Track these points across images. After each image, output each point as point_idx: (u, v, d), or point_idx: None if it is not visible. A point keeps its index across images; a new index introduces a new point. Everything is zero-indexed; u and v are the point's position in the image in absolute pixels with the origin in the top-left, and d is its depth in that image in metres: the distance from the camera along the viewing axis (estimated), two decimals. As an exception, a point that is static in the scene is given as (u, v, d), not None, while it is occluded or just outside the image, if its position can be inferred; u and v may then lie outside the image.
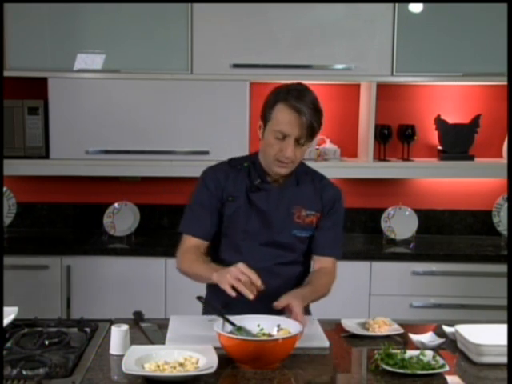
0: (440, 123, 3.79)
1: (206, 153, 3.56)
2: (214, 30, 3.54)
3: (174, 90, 3.59)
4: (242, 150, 3.41)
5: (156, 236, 3.79)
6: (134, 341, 1.89)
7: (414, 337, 1.99)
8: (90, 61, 3.56)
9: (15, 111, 3.57)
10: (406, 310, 3.46)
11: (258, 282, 1.91)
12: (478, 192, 3.97)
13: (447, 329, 2.04)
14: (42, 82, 3.56)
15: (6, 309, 1.95)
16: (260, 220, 2.19)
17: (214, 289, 2.07)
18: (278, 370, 1.76)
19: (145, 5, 3.50)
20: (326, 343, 1.95)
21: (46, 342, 1.88)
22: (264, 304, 1.93)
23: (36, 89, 3.66)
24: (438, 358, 1.79)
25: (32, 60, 3.55)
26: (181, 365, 1.69)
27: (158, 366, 1.68)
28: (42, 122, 3.58)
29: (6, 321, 1.91)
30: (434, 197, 3.98)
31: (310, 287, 2.12)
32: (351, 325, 2.10)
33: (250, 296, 1.88)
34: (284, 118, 2.05)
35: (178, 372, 1.66)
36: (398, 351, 1.79)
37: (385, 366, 1.74)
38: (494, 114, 3.87)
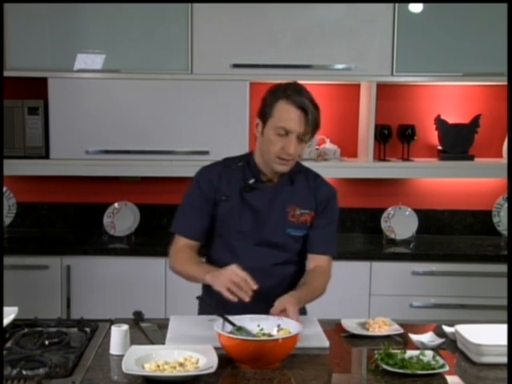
0: (440, 123, 3.79)
1: (206, 153, 3.56)
2: (214, 29, 3.54)
3: (174, 90, 3.59)
4: (242, 149, 3.35)
5: (156, 236, 3.79)
6: (134, 341, 1.89)
7: (413, 337, 1.99)
8: (90, 61, 3.56)
9: (15, 111, 3.57)
10: (405, 310, 3.46)
11: (253, 284, 1.90)
12: (477, 192, 3.97)
13: (447, 329, 2.04)
14: (42, 82, 3.56)
15: (6, 309, 1.95)
16: (254, 219, 2.18)
17: (208, 289, 2.06)
18: (278, 370, 1.76)
19: (145, 5, 3.50)
20: (326, 343, 1.95)
21: (46, 342, 1.88)
22: (258, 303, 1.93)
23: (36, 89, 3.66)
24: (437, 358, 1.79)
25: (32, 60, 3.55)
26: (181, 365, 1.69)
27: (158, 366, 1.68)
28: (42, 122, 3.58)
29: (6, 321, 1.91)
30: (434, 197, 3.98)
31: (306, 289, 2.10)
32: (351, 325, 2.10)
33: (246, 299, 1.89)
34: (288, 114, 2.05)
35: (178, 372, 1.66)
36: (398, 351, 1.79)
37: (385, 366, 1.74)
38: (494, 114, 3.87)
